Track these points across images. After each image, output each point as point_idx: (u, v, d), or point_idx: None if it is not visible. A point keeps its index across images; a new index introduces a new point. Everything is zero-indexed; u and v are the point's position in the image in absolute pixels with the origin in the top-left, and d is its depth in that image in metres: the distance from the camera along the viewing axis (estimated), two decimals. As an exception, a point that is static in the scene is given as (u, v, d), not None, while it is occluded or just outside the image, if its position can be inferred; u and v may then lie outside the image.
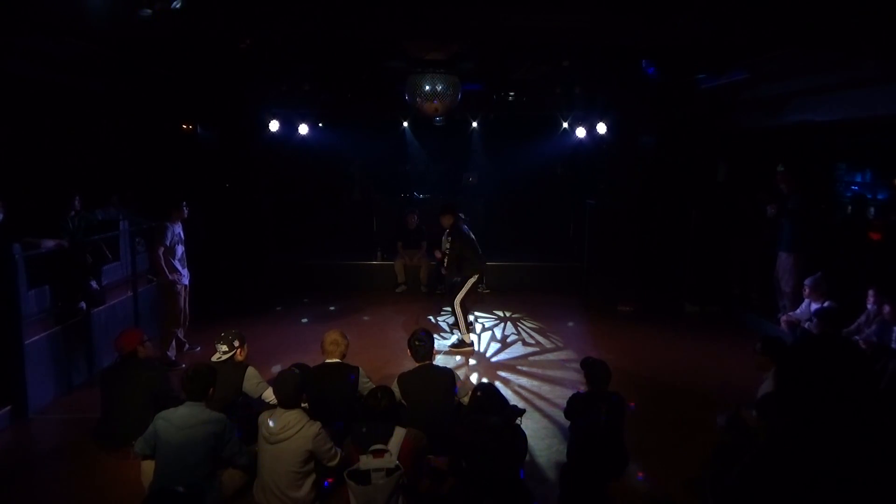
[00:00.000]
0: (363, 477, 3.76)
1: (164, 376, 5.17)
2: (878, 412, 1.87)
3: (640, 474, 4.66)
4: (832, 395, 1.86)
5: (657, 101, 9.37)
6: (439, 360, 6.93)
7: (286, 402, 4.12)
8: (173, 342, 7.09)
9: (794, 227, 7.59)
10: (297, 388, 4.16)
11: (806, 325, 6.52)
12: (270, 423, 4.05)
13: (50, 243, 6.30)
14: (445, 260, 7.79)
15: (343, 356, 5.02)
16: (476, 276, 7.63)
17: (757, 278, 8.99)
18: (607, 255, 9.81)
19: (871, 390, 1.88)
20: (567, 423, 4.82)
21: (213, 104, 9.71)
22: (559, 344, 7.93)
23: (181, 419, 3.99)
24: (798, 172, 7.77)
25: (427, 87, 6.73)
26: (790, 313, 6.99)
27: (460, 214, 10.55)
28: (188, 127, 10.18)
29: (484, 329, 8.57)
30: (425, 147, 12.96)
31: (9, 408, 5.59)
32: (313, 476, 4.10)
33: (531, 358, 7.42)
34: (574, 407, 4.65)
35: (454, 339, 7.86)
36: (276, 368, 6.52)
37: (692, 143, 9.90)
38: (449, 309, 8.27)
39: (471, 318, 8.06)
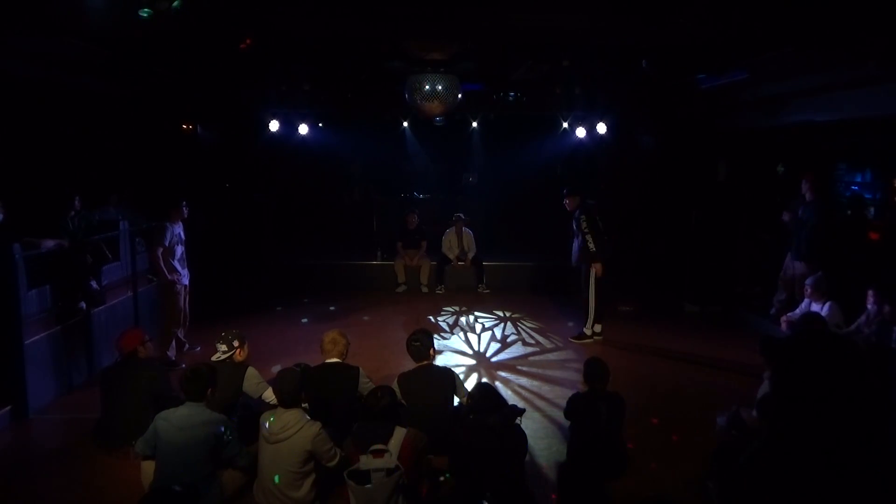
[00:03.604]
0: (363, 477, 3.76)
1: (164, 376, 5.17)
2: (875, 412, 1.86)
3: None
4: (827, 392, 1.86)
5: (657, 101, 9.37)
6: (439, 360, 6.93)
7: (287, 400, 4.12)
8: (173, 342, 7.09)
9: (813, 235, 7.43)
10: (298, 386, 4.15)
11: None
12: (267, 424, 4.05)
13: (50, 243, 6.30)
14: (588, 242, 7.58)
15: (342, 355, 5.01)
16: (598, 265, 7.64)
17: (760, 278, 8.99)
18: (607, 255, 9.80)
19: (869, 389, 1.87)
20: (567, 423, 4.82)
21: (213, 104, 9.72)
22: (559, 344, 7.93)
23: (181, 420, 3.99)
24: (820, 179, 7.67)
25: (427, 87, 6.74)
26: (790, 314, 6.99)
27: (461, 215, 10.66)
28: (188, 127, 10.19)
29: (484, 329, 8.57)
30: (425, 147, 12.96)
31: (9, 408, 5.59)
32: (313, 476, 4.10)
33: (531, 358, 7.42)
34: (574, 407, 4.65)
35: (589, 328, 7.92)
36: (276, 368, 6.50)
37: (692, 143, 9.91)
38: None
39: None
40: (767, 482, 1.88)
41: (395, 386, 4.73)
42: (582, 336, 7.93)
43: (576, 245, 7.82)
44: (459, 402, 4.98)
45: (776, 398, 2.00)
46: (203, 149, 10.34)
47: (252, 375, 4.98)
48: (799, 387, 1.91)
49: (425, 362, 4.99)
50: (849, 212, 8.04)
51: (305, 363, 5.45)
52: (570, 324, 8.83)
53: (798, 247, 7.56)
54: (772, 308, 7.71)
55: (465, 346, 7.84)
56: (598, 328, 7.98)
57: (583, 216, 7.67)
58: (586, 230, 7.58)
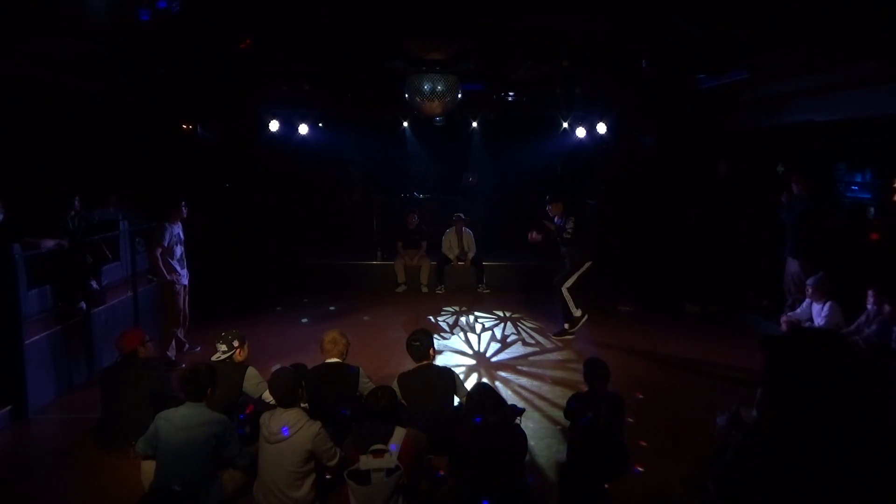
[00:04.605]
0: (363, 477, 3.76)
1: (164, 376, 5.18)
2: (872, 409, 1.86)
3: (639, 468, 4.68)
4: (818, 386, 1.87)
5: (657, 101, 9.36)
6: (439, 360, 6.93)
7: (283, 400, 4.13)
8: (173, 342, 7.09)
9: (800, 231, 7.48)
10: (293, 386, 4.16)
11: (806, 326, 6.52)
12: (269, 424, 4.05)
13: (50, 243, 6.30)
14: (568, 239, 7.77)
15: (342, 355, 5.02)
16: (589, 264, 7.76)
17: (760, 278, 8.99)
18: (607, 255, 9.81)
19: (864, 385, 1.88)
20: (567, 423, 4.82)
21: (213, 104, 9.71)
22: (559, 344, 7.92)
23: (182, 420, 3.99)
24: (810, 175, 7.72)
25: (427, 87, 6.73)
26: (790, 313, 6.99)
27: (461, 215, 10.67)
28: (188, 127, 10.18)
29: (484, 329, 8.57)
30: (425, 147, 12.96)
31: (9, 408, 5.59)
32: (313, 476, 4.10)
33: (531, 358, 7.42)
34: (574, 407, 4.65)
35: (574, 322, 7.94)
36: (276, 368, 6.52)
37: (692, 143, 9.91)
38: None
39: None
40: (756, 474, 1.88)
41: (395, 386, 4.73)
42: (563, 332, 8.00)
43: (566, 248, 7.94)
44: (459, 402, 4.98)
45: (765, 390, 2.00)
46: (203, 149, 10.33)
47: (252, 375, 4.98)
48: (789, 380, 1.91)
49: (425, 362, 4.99)
50: (848, 217, 8.08)
51: (301, 363, 5.45)
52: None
53: (789, 242, 7.62)
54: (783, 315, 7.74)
55: (465, 346, 7.84)
56: (567, 326, 8.02)
57: (571, 218, 7.77)
58: (570, 234, 7.72)
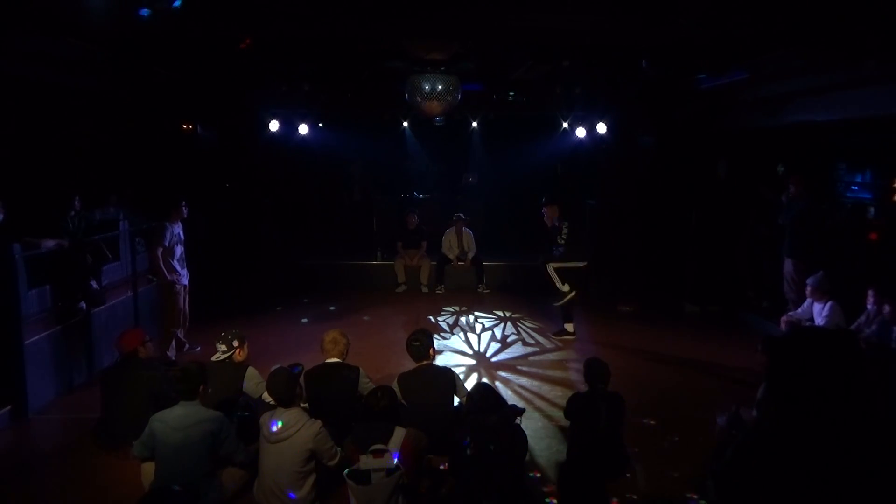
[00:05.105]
0: (363, 477, 3.76)
1: (164, 377, 5.17)
2: (872, 407, 1.87)
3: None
4: (821, 384, 1.87)
5: (657, 101, 9.37)
6: (439, 360, 6.93)
7: (281, 399, 4.13)
8: (173, 342, 7.09)
9: (798, 231, 7.52)
10: (289, 385, 4.16)
11: (807, 325, 6.51)
12: (274, 428, 4.04)
13: (50, 243, 6.30)
14: (562, 245, 7.81)
15: (343, 355, 5.01)
16: (581, 264, 7.79)
17: (760, 278, 8.99)
18: (607, 255, 9.81)
19: (866, 383, 1.88)
20: (567, 423, 4.82)
21: (213, 104, 9.71)
22: (559, 344, 7.92)
23: (177, 420, 3.99)
24: (807, 176, 7.75)
25: (427, 87, 6.73)
26: (790, 313, 6.99)
27: (461, 215, 10.67)
28: (188, 127, 10.19)
29: (484, 329, 8.57)
30: (425, 147, 12.96)
31: (9, 408, 5.59)
32: (314, 476, 4.10)
33: (531, 358, 7.42)
34: (574, 407, 4.65)
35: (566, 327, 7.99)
36: (274, 368, 6.51)
37: (692, 143, 9.91)
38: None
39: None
40: (756, 473, 1.89)
41: (395, 386, 4.73)
42: (562, 332, 8.00)
43: (561, 250, 7.89)
44: (459, 402, 4.98)
45: (769, 390, 2.01)
46: (203, 149, 10.34)
47: (252, 375, 4.98)
48: (792, 380, 1.91)
49: (425, 362, 4.99)
50: (848, 217, 8.08)
51: (299, 364, 5.44)
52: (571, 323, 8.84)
53: (787, 242, 7.64)
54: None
55: (465, 346, 7.84)
56: (570, 327, 8.02)
57: (565, 223, 7.78)
58: (564, 238, 7.71)
